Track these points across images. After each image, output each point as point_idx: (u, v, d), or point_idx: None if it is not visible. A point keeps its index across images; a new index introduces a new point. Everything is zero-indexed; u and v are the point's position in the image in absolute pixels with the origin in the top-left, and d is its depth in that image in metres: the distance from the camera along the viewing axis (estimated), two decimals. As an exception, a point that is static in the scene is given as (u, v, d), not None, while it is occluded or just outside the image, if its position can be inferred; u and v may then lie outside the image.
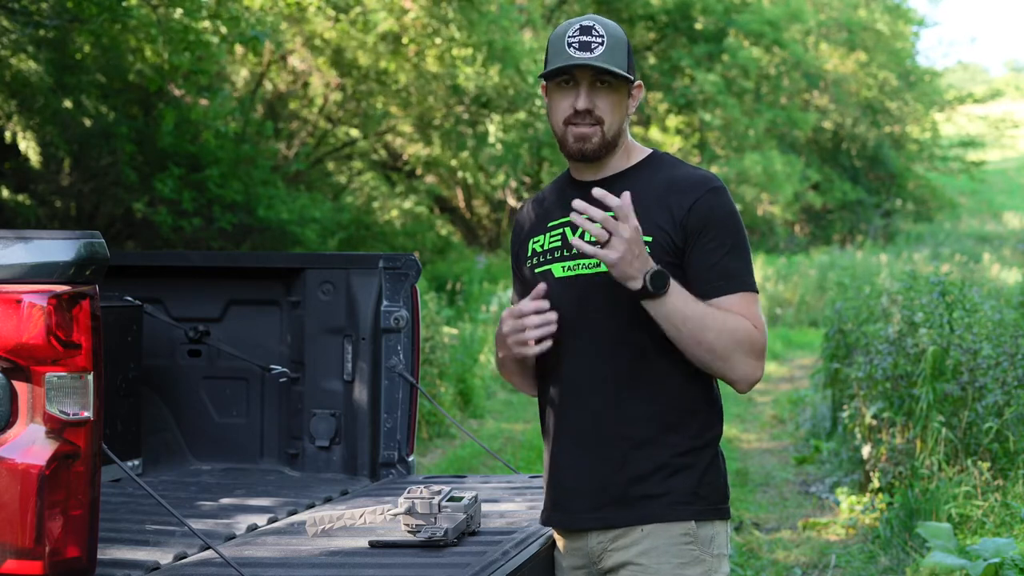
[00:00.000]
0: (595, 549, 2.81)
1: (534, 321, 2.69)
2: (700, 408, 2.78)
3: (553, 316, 2.70)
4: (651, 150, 2.89)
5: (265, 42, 11.31)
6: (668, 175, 2.80)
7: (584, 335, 2.77)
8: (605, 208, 2.62)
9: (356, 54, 16.36)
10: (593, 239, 2.63)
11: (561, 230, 2.83)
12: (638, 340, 2.73)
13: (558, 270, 2.81)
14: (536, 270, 2.86)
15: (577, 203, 2.61)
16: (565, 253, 2.81)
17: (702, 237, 2.72)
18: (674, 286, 2.64)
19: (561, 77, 2.76)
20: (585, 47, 2.71)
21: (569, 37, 2.73)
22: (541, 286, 2.72)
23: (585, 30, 2.73)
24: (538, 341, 2.70)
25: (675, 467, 2.74)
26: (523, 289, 2.99)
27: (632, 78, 2.78)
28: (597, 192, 2.60)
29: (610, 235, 2.58)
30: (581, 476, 2.80)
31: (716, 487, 2.80)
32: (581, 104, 2.74)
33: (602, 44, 2.72)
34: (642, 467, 2.74)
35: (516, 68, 16.31)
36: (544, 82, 2.84)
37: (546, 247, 2.85)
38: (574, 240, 2.63)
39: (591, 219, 2.60)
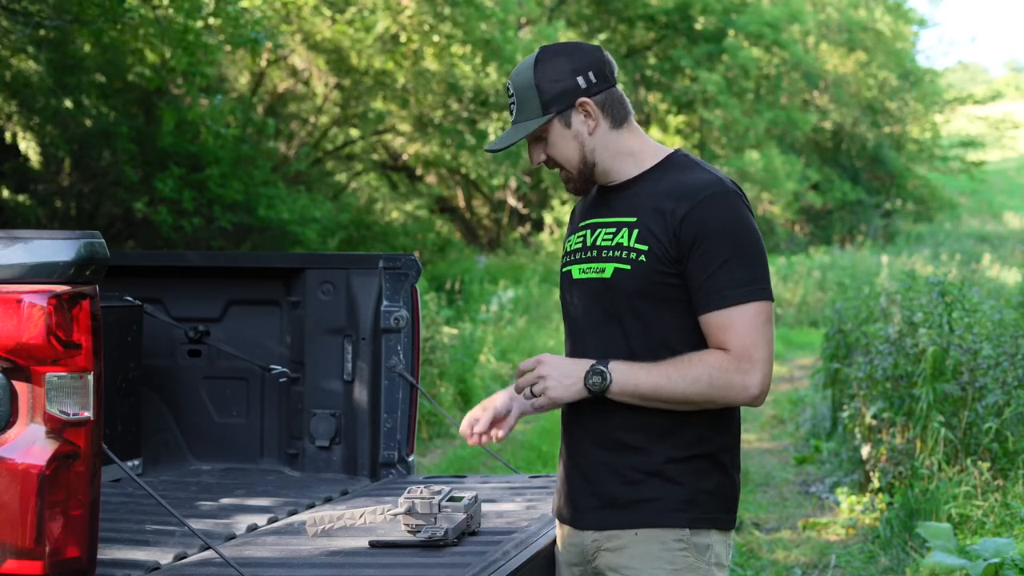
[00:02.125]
0: (590, 547, 2.81)
1: (475, 440, 2.93)
2: (694, 418, 2.74)
3: (484, 441, 2.92)
4: (671, 151, 2.83)
5: (264, 43, 11.30)
6: (674, 180, 2.75)
7: (589, 338, 2.79)
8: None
9: (352, 54, 16.35)
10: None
11: (584, 232, 2.85)
12: (633, 347, 2.72)
13: (576, 271, 2.83)
14: (563, 269, 2.90)
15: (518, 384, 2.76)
16: (582, 256, 2.82)
17: (695, 250, 2.66)
18: (618, 374, 2.66)
19: None
20: (512, 111, 2.80)
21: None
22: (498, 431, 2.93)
23: (508, 91, 2.82)
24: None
25: (668, 474, 2.73)
26: None
27: (547, 117, 2.73)
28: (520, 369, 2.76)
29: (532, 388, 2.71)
30: (580, 476, 2.82)
31: (714, 496, 2.77)
32: (533, 162, 2.84)
33: (515, 103, 2.78)
34: (636, 472, 2.74)
35: (513, 65, 16.29)
36: None
37: (572, 247, 2.87)
38: (521, 396, 2.79)
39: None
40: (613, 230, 2.77)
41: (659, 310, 2.71)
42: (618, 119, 2.79)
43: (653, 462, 2.73)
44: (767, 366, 2.68)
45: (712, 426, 2.78)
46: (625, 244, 2.73)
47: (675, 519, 2.73)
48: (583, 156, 2.77)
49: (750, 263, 2.68)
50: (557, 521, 2.96)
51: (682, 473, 2.74)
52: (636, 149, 2.81)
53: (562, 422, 2.90)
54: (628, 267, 2.71)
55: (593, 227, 2.83)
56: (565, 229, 3.15)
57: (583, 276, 2.80)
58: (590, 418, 2.78)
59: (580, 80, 2.74)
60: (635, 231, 2.73)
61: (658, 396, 2.66)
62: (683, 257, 2.68)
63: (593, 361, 2.68)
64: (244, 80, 17.08)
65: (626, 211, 2.77)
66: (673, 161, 2.81)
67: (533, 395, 2.70)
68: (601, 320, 2.75)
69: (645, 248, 2.70)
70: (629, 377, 2.67)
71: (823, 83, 29.76)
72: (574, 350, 2.83)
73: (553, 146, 2.77)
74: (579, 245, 2.84)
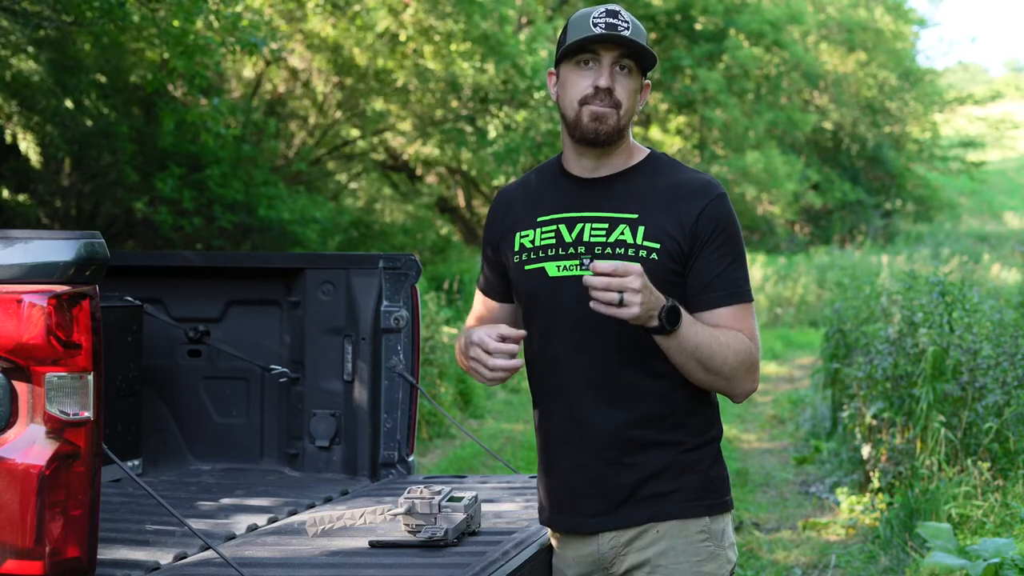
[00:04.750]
0: (608, 554, 2.77)
1: (498, 364, 2.63)
2: (700, 406, 2.77)
3: (518, 364, 2.65)
4: (649, 150, 2.84)
5: (263, 47, 11.29)
6: (671, 179, 2.76)
7: (581, 335, 2.73)
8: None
9: (354, 52, 16.36)
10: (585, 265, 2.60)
11: (554, 227, 2.77)
12: (638, 342, 2.69)
13: (552, 269, 2.76)
14: (526, 267, 2.79)
15: (587, 280, 2.51)
16: (560, 252, 2.75)
17: (709, 245, 2.69)
18: (685, 317, 2.61)
19: (583, 55, 2.71)
20: (611, 28, 2.67)
21: (595, 17, 2.69)
22: (520, 332, 2.66)
23: (612, 13, 2.69)
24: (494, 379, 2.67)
25: (682, 465, 2.73)
26: (494, 278, 2.91)
27: (652, 68, 2.76)
28: (593, 269, 2.52)
29: (621, 293, 2.50)
30: (587, 478, 2.76)
31: (722, 479, 2.80)
32: (603, 82, 2.68)
33: (628, 30, 2.68)
34: (649, 467, 2.72)
35: (513, 63, 16.28)
36: (554, 68, 2.79)
37: (538, 243, 2.78)
38: (596, 306, 2.52)
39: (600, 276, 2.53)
40: (605, 226, 2.72)
41: None
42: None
43: (668, 455, 2.72)
44: None
45: (714, 410, 2.83)
46: (630, 241, 2.69)
47: (695, 509, 2.74)
48: (631, 120, 2.76)
49: (745, 264, 2.78)
50: (551, 532, 2.92)
51: (696, 462, 2.75)
52: (631, 144, 2.83)
53: (551, 426, 2.80)
54: (637, 264, 2.66)
55: (569, 221, 2.76)
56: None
57: (567, 274, 2.73)
58: (599, 417, 2.72)
59: None
60: (640, 228, 2.70)
61: (707, 353, 2.63)
62: (694, 253, 2.69)
63: (666, 298, 2.58)
64: (244, 81, 17.08)
65: (619, 207, 2.73)
66: (658, 160, 2.82)
67: (615, 304, 2.50)
68: (594, 319, 2.66)
69: (657, 246, 2.68)
70: (692, 325, 2.62)
71: (823, 83, 29.77)
72: (554, 349, 2.76)
73: (629, 91, 2.72)
74: (551, 240, 2.76)
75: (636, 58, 2.71)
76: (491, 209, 2.94)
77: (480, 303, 2.98)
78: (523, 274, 2.80)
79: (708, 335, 2.64)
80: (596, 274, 2.50)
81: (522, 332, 2.67)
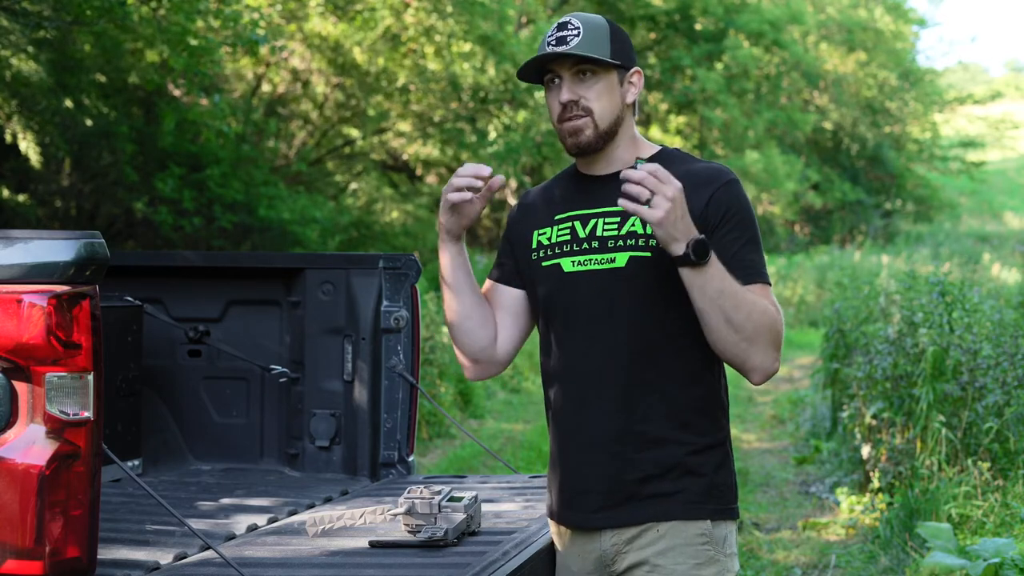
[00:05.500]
0: (609, 551, 2.77)
1: (462, 182, 2.72)
2: (709, 407, 2.77)
3: (478, 184, 2.72)
4: (660, 147, 2.87)
5: (263, 43, 11.30)
6: (682, 169, 2.75)
7: (595, 330, 2.74)
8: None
9: (354, 52, 16.36)
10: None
11: (570, 224, 2.80)
12: (650, 337, 2.70)
13: (567, 264, 2.78)
14: (543, 263, 2.82)
15: (625, 172, 2.54)
16: (575, 248, 2.77)
17: (720, 229, 2.70)
18: (714, 257, 2.59)
19: (549, 75, 2.77)
20: (561, 42, 2.72)
21: (548, 37, 2.75)
22: (499, 178, 2.74)
23: (561, 26, 2.74)
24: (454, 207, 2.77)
25: (688, 466, 2.72)
26: (503, 273, 2.94)
27: (615, 62, 2.75)
28: (641, 168, 2.54)
29: (652, 194, 2.51)
30: (593, 474, 2.76)
31: (728, 486, 2.78)
32: (564, 96, 2.74)
33: (578, 35, 2.71)
34: (655, 465, 2.72)
35: (513, 63, 16.29)
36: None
37: (554, 240, 2.81)
38: (621, 201, 2.53)
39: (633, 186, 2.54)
40: (617, 219, 2.74)
41: (674, 299, 2.68)
42: (634, 109, 2.86)
43: (674, 455, 2.72)
44: None
45: (723, 413, 2.81)
46: (640, 232, 2.71)
47: (697, 511, 2.73)
48: (616, 117, 2.78)
49: (762, 247, 2.77)
50: (556, 526, 2.92)
51: (702, 464, 2.74)
52: (638, 138, 2.87)
53: (562, 421, 2.82)
54: (648, 254, 2.68)
55: (583, 218, 2.79)
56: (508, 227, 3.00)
57: (581, 268, 2.75)
58: (608, 411, 2.73)
59: (636, 57, 2.82)
60: None
61: (732, 302, 2.60)
62: (706, 238, 2.69)
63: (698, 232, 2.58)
64: (244, 80, 17.08)
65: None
66: (669, 154, 2.85)
67: (642, 201, 2.51)
68: (608, 313, 2.71)
69: None
70: (720, 269, 2.60)
71: (823, 83, 29.79)
72: (565, 344, 2.78)
73: (597, 93, 2.74)
74: (566, 237, 2.79)
75: (594, 60, 2.73)
76: (510, 212, 3.00)
77: (488, 286, 2.98)
78: (540, 271, 2.83)
79: (734, 285, 2.62)
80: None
81: (501, 178, 2.74)
